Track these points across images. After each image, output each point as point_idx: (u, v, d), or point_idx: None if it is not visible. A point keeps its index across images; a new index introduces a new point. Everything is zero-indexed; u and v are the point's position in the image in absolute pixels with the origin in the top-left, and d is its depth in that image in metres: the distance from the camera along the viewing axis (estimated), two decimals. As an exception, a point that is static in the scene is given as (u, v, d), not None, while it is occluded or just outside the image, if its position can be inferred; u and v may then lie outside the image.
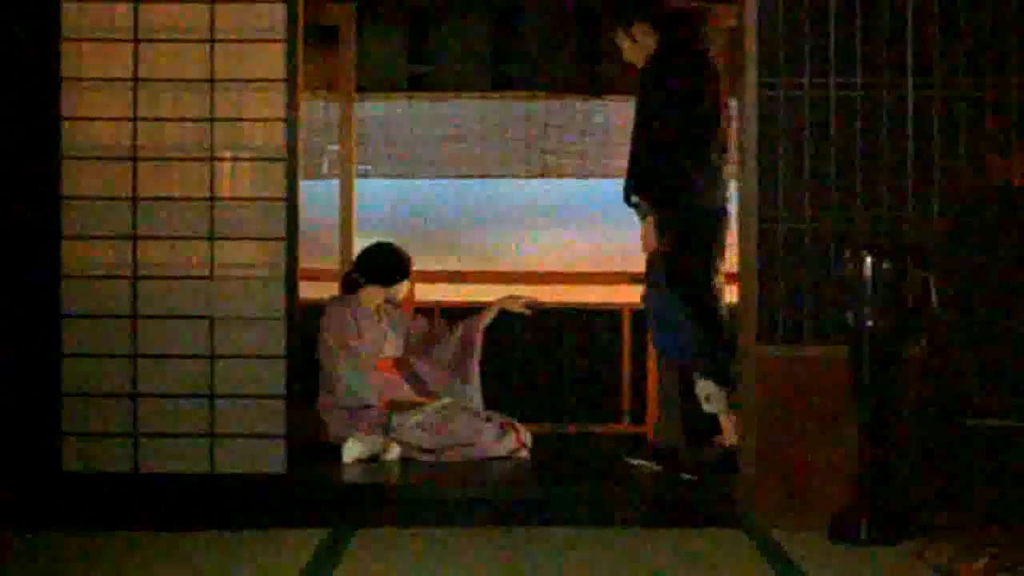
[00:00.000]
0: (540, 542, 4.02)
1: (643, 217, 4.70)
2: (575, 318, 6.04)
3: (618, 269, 5.22)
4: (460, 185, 6.36)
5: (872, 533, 3.97)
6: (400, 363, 5.28)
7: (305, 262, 4.54)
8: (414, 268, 5.32)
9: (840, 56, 4.23)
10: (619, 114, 6.29)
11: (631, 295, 5.30)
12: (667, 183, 4.64)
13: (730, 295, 4.96)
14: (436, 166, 6.35)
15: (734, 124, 4.77)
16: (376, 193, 6.23)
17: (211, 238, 4.34)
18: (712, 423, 4.78)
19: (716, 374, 4.72)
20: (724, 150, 4.86)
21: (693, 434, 4.78)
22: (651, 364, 5.52)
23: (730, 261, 5.15)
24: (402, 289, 5.31)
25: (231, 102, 4.34)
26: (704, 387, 4.75)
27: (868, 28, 4.24)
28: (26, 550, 3.92)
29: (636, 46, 4.79)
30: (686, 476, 4.57)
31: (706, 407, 4.77)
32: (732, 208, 4.74)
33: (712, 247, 4.80)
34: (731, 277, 4.85)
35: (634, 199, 4.69)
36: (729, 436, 4.69)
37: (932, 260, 4.16)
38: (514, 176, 6.33)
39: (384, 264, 5.25)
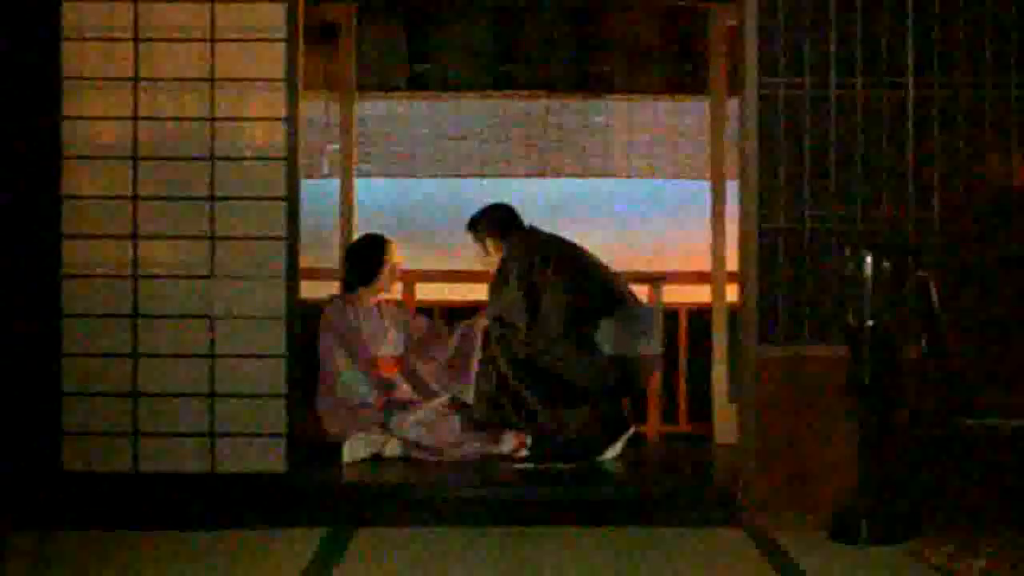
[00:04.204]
0: (540, 542, 4.02)
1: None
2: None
3: (618, 268, 5.22)
4: (460, 185, 6.35)
5: (872, 533, 3.98)
6: (400, 363, 5.28)
7: (305, 262, 4.54)
8: (394, 252, 5.28)
9: (840, 56, 4.24)
10: (619, 114, 6.29)
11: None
12: None
13: (730, 294, 4.95)
14: (436, 166, 6.35)
15: None
16: (376, 193, 6.22)
17: (211, 238, 4.34)
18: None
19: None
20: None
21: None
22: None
23: (730, 261, 5.15)
24: (387, 277, 5.28)
25: (231, 102, 4.34)
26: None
27: (868, 28, 4.24)
28: (27, 549, 3.92)
29: (489, 256, 5.22)
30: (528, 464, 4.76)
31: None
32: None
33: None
34: (732, 276, 4.85)
35: None
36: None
37: (932, 260, 4.17)
38: (514, 176, 6.33)
39: (358, 264, 5.25)
